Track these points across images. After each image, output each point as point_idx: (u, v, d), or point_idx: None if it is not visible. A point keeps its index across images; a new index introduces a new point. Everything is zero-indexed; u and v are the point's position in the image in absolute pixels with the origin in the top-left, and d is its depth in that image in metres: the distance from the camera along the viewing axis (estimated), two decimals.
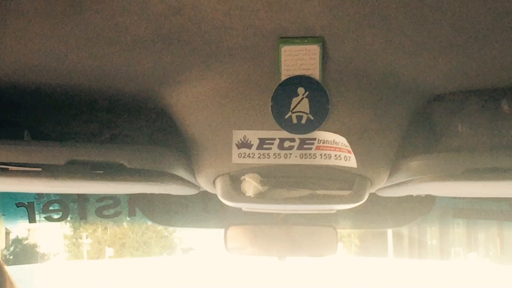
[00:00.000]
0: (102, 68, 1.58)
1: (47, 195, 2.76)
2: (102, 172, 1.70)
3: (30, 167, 1.66)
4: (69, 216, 2.78)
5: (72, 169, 1.67)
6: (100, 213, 2.78)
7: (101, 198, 2.76)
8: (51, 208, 2.74)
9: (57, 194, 2.78)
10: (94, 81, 1.65)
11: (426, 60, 1.51)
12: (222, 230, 2.53)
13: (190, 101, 1.65)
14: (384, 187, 1.86)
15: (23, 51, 1.49)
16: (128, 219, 2.86)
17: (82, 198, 2.75)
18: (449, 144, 1.72)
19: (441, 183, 1.69)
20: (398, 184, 1.83)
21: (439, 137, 1.75)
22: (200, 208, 2.89)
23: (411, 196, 2.05)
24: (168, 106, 1.73)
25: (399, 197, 2.05)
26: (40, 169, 1.67)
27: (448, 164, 1.65)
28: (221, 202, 1.76)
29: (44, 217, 2.77)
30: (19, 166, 1.66)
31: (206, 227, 2.96)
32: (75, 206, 2.75)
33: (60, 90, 1.71)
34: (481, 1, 1.27)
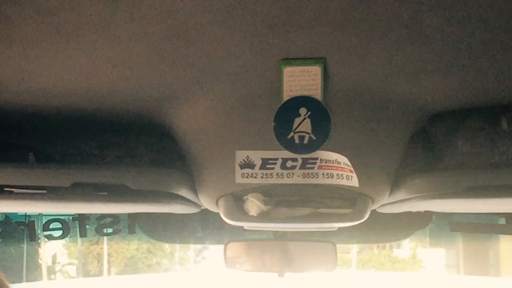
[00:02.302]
0: (105, 90, 1.57)
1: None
2: (106, 193, 1.71)
3: (35, 189, 1.67)
4: (70, 234, 2.78)
5: (77, 191, 1.68)
6: (100, 231, 2.77)
7: (101, 216, 2.76)
8: (51, 226, 2.73)
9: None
10: (98, 102, 1.65)
11: (426, 79, 1.51)
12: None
13: (193, 122, 1.65)
14: (385, 204, 1.87)
15: (26, 75, 1.49)
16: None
17: (82, 217, 2.74)
18: (449, 162, 1.73)
19: (441, 200, 1.70)
20: (398, 201, 1.84)
21: (439, 155, 1.75)
22: (199, 225, 2.90)
23: (409, 211, 2.06)
24: (171, 127, 1.73)
25: (397, 213, 2.07)
26: (45, 191, 1.68)
27: (448, 182, 1.66)
28: (220, 218, 1.76)
29: (45, 236, 2.77)
30: (24, 189, 1.67)
31: (205, 243, 2.98)
32: (76, 224, 2.74)
33: (64, 112, 1.71)
34: (479, 21, 1.27)
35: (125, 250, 15.60)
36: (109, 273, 16.11)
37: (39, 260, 13.18)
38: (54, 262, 15.03)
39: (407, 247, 15.97)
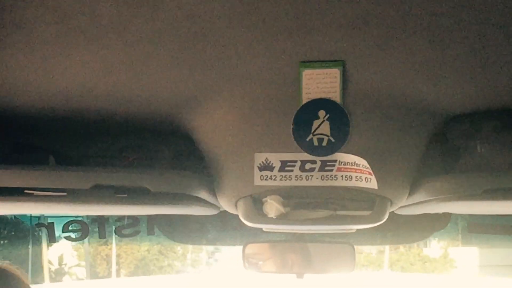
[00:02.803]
0: (124, 92, 1.62)
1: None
2: (126, 195, 1.74)
3: (55, 191, 1.70)
4: (88, 235, 2.82)
5: (97, 193, 1.71)
6: (119, 232, 2.82)
7: (120, 217, 2.81)
8: (70, 228, 2.79)
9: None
10: (117, 105, 1.69)
11: (445, 82, 1.54)
12: None
13: (212, 124, 1.69)
14: (403, 206, 1.89)
15: (46, 77, 1.54)
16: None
17: (101, 218, 2.79)
18: (468, 164, 1.76)
19: (460, 202, 1.72)
20: (417, 203, 1.86)
21: (457, 157, 1.78)
22: (218, 226, 2.94)
23: (427, 214, 2.08)
24: (190, 129, 1.77)
25: (415, 214, 2.10)
26: (65, 194, 1.71)
27: (467, 184, 1.68)
28: (239, 220, 1.79)
29: (64, 237, 2.83)
30: (44, 191, 1.70)
31: (224, 244, 3.03)
32: (95, 226, 2.80)
33: (83, 114, 1.75)
34: (497, 23, 1.31)
35: (136, 251, 15.28)
36: (118, 275, 15.85)
37: (46, 262, 13.03)
38: (60, 264, 14.80)
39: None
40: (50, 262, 13.37)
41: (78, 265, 15.35)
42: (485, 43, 1.38)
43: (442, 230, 2.83)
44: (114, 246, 14.68)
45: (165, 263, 15.99)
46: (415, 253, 15.33)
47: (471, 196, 1.68)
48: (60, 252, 14.33)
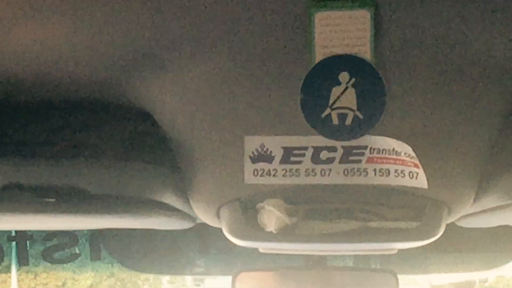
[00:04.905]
0: (54, 50, 1.55)
1: None
2: (53, 200, 1.69)
3: None
4: (4, 260, 2.86)
5: (10, 197, 1.67)
6: (48, 257, 2.84)
7: (50, 234, 2.82)
8: None
9: None
10: (42, 70, 1.63)
11: None
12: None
13: (183, 95, 1.63)
14: (468, 215, 1.86)
15: None
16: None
17: (22, 236, 2.80)
18: None
19: None
20: (488, 211, 1.82)
21: None
22: (196, 247, 2.95)
23: (506, 226, 2.04)
24: (151, 103, 1.72)
25: (487, 228, 2.08)
26: None
27: None
28: (227, 238, 1.74)
29: None
30: None
31: (205, 273, 3.04)
32: (14, 247, 2.84)
33: None
34: None
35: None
36: None
37: None
38: None
39: None
40: None
41: None
42: None
43: None
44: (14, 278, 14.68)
45: None
46: None
47: None
48: None
